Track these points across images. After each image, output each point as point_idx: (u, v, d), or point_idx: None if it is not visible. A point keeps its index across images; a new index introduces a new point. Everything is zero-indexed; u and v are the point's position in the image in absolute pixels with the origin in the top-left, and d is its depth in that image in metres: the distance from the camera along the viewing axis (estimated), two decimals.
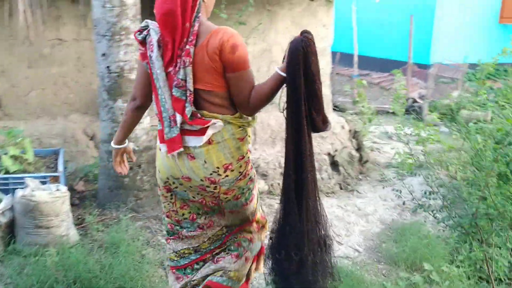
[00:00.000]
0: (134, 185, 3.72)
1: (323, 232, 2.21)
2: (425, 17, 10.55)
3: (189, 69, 2.04)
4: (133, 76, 3.63)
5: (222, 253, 2.39)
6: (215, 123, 2.09)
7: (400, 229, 4.64)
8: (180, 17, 2.00)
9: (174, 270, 2.41)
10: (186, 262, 2.38)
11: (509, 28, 11.99)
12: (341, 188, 5.52)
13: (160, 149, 2.21)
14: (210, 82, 2.07)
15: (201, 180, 2.14)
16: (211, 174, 2.13)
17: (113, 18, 3.53)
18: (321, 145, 5.57)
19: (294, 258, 2.14)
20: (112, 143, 2.47)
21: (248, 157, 2.24)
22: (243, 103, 2.10)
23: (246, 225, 2.40)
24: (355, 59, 9.43)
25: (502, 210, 3.21)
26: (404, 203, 4.11)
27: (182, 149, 2.10)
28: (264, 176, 5.13)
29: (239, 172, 2.19)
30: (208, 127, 2.09)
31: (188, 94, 2.06)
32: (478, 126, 6.21)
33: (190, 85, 2.05)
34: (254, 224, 2.42)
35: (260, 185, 5.06)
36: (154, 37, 2.10)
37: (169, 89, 2.11)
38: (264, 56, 5.28)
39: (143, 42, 2.14)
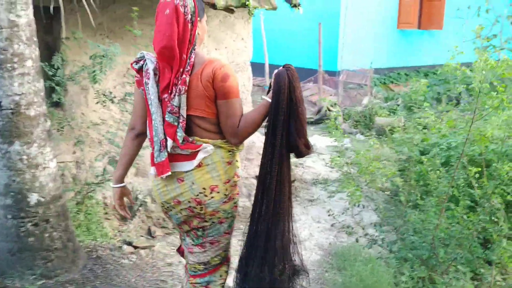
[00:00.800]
0: (42, 245, 3.05)
1: (281, 261, 2.32)
2: (330, 24, 10.59)
3: (184, 97, 2.19)
4: (32, 112, 2.98)
5: None
6: (206, 148, 2.23)
7: (340, 253, 4.39)
8: (177, 49, 2.17)
9: None
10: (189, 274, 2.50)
11: (406, 33, 12.46)
12: None
13: (154, 175, 2.30)
14: (202, 108, 2.21)
15: (189, 201, 2.26)
16: (197, 195, 2.25)
17: (2, 42, 2.87)
18: (248, 168, 5.17)
19: (245, 270, 2.35)
20: (111, 183, 2.50)
21: (235, 182, 2.36)
22: (231, 130, 2.23)
23: (221, 265, 2.47)
24: (266, 68, 9.16)
25: (458, 237, 3.01)
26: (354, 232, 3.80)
27: (170, 173, 2.22)
28: None
29: (225, 195, 2.30)
30: (198, 151, 2.23)
31: (180, 120, 2.20)
32: (404, 137, 6.15)
33: (183, 112, 2.20)
34: (224, 268, 2.49)
35: None
36: (150, 66, 2.25)
37: (161, 114, 2.24)
38: None
39: (139, 71, 2.29)
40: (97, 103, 4.17)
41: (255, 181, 5.16)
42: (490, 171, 3.10)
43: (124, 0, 4.26)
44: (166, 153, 2.22)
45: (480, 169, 3.08)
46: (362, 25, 11.40)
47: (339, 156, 3.60)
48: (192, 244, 2.40)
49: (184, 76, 2.18)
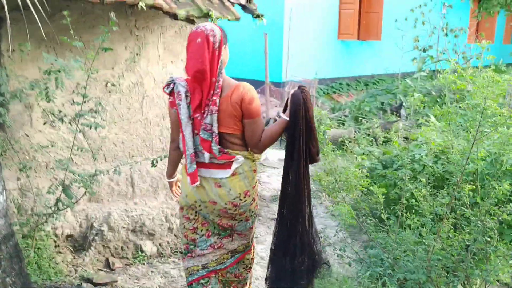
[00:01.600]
0: None
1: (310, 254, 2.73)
2: (274, 35, 10.46)
3: (215, 116, 2.56)
4: None
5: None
6: (238, 159, 2.64)
7: None
8: (208, 73, 2.53)
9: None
10: (194, 278, 2.82)
11: (346, 43, 12.62)
12: None
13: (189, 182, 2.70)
14: (231, 126, 2.62)
15: (225, 204, 2.66)
16: (234, 199, 2.66)
17: None
18: None
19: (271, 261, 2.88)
20: (166, 179, 3.05)
21: (257, 186, 2.81)
22: (255, 143, 2.66)
23: (246, 254, 2.91)
24: None
25: (455, 259, 2.88)
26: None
27: (198, 183, 2.63)
28: (150, 235, 4.23)
29: (252, 198, 2.74)
30: (232, 161, 2.63)
31: (213, 136, 2.58)
32: (365, 150, 6.05)
33: (215, 129, 2.58)
34: (251, 254, 2.95)
35: (147, 247, 4.17)
36: (181, 90, 2.60)
37: (191, 131, 2.62)
38: (135, 91, 4.39)
39: (171, 93, 2.66)
40: (44, 123, 3.73)
41: None
42: (483, 189, 3.00)
43: (73, 8, 3.85)
44: (195, 165, 2.63)
45: (473, 186, 2.96)
46: (305, 36, 11.40)
47: (327, 174, 3.39)
48: (220, 238, 2.81)
49: (214, 98, 2.55)
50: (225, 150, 2.61)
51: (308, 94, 2.65)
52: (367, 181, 3.24)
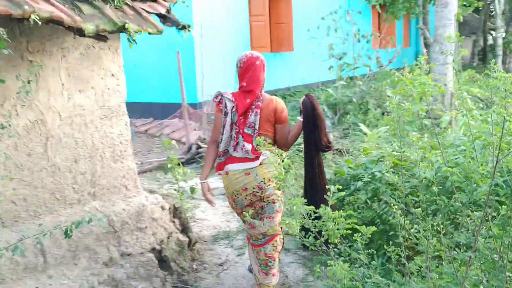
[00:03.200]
0: None
1: None
2: (185, 54, 9.64)
3: (258, 117, 3.40)
4: None
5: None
6: (264, 153, 3.31)
7: None
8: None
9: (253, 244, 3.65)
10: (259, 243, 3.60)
11: None
12: None
13: (226, 174, 3.43)
14: (267, 129, 3.45)
15: (253, 188, 3.38)
16: (259, 183, 3.38)
17: None
18: (142, 240, 3.95)
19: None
20: (201, 180, 3.59)
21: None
22: (283, 142, 3.50)
23: (274, 237, 3.57)
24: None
25: None
26: None
27: (222, 171, 3.47)
28: None
29: (277, 184, 3.22)
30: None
31: (255, 132, 3.39)
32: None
33: (257, 126, 3.40)
34: (278, 239, 3.60)
35: None
36: (228, 104, 3.44)
37: (230, 133, 3.44)
38: (35, 131, 3.43)
39: (219, 103, 3.50)
40: None
41: (152, 256, 3.97)
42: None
43: None
44: (223, 159, 3.45)
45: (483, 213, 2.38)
46: (219, 52, 10.74)
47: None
48: (253, 222, 3.41)
49: (258, 103, 3.42)
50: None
51: (314, 98, 3.50)
52: (353, 222, 2.51)
